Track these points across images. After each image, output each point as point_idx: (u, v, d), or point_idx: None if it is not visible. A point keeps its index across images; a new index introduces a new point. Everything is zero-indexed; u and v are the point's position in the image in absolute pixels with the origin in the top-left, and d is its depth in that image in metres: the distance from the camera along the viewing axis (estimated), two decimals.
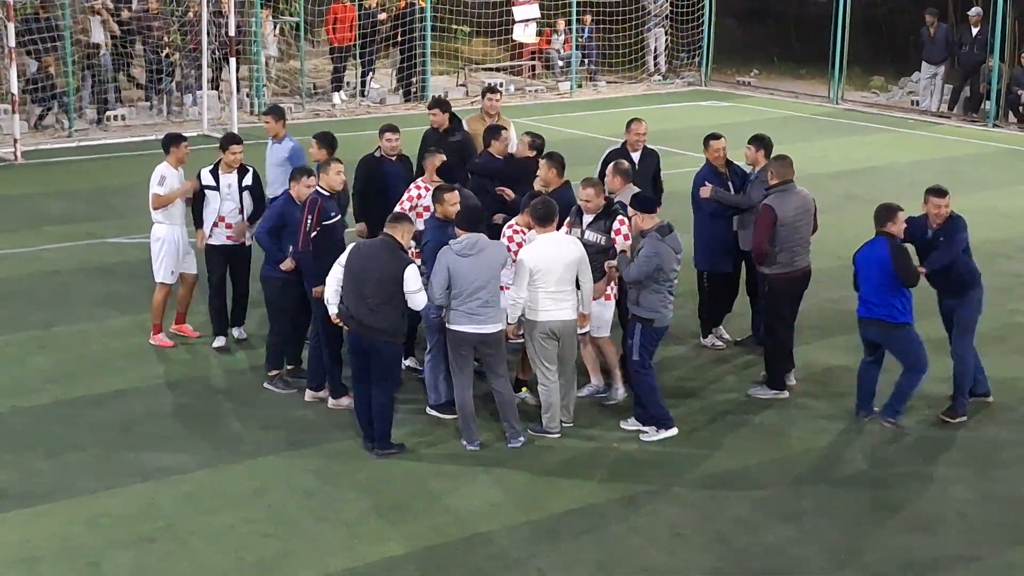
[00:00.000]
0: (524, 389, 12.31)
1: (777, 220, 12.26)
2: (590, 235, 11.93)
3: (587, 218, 12.01)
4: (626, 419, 11.85)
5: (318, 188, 12.29)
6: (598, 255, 11.83)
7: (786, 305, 12.64)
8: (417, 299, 11.00)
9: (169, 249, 13.63)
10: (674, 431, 11.62)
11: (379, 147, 14.10)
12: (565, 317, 11.41)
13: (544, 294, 11.30)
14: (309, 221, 12.02)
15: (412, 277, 10.93)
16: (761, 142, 13.52)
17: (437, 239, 11.55)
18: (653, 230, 11.42)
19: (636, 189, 12.60)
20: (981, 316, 12.29)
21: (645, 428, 11.66)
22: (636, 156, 14.19)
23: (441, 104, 15.26)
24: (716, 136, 13.86)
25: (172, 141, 13.76)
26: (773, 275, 12.50)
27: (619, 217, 12.01)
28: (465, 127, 15.14)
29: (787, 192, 12.51)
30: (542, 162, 12.88)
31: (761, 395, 12.58)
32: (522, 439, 11.43)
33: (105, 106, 25.40)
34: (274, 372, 12.65)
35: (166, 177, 13.53)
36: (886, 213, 11.75)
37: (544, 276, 11.26)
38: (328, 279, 11.34)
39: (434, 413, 11.95)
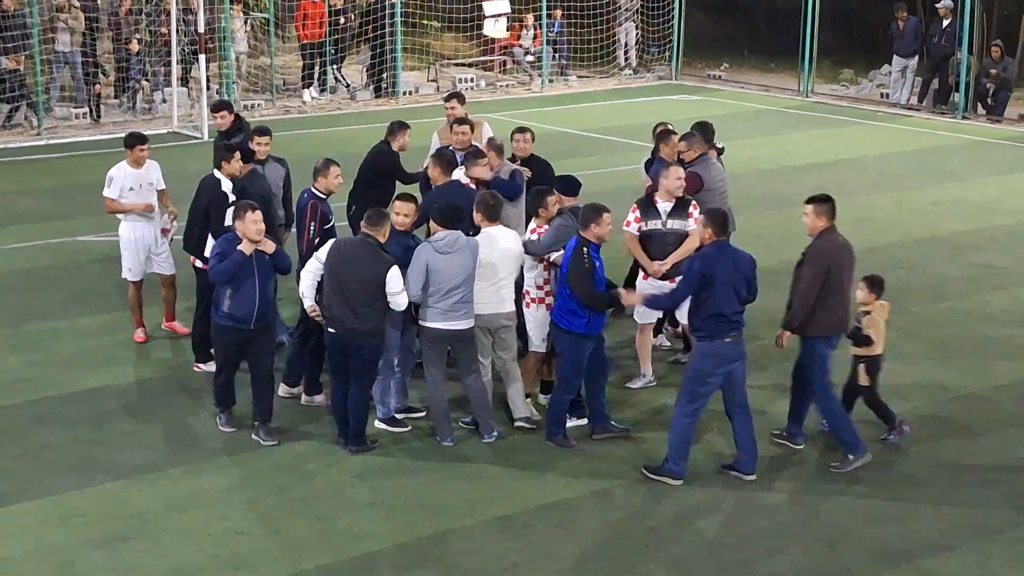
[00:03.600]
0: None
1: (703, 187, 12.97)
2: (672, 223, 12.18)
3: (665, 207, 12.19)
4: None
5: (314, 191, 12.09)
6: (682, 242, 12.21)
7: None
8: (399, 300, 10.92)
9: (127, 246, 13.51)
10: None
11: (387, 141, 14.07)
12: (485, 312, 11.36)
13: (478, 288, 11.32)
14: (312, 228, 11.84)
15: (395, 279, 10.83)
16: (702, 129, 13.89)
17: (393, 249, 11.10)
18: (567, 210, 11.74)
19: (513, 166, 13.10)
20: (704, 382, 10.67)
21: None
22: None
23: (224, 106, 14.66)
24: (672, 132, 13.91)
25: (126, 142, 13.65)
26: None
27: (692, 202, 12.37)
28: (435, 138, 14.77)
29: (707, 162, 13.30)
30: (429, 160, 13.00)
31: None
32: (495, 434, 11.43)
33: (99, 99, 25.32)
34: (219, 408, 11.71)
35: (113, 178, 13.40)
36: (588, 214, 10.93)
37: (480, 269, 11.31)
38: (303, 273, 11.27)
39: (382, 427, 11.61)
